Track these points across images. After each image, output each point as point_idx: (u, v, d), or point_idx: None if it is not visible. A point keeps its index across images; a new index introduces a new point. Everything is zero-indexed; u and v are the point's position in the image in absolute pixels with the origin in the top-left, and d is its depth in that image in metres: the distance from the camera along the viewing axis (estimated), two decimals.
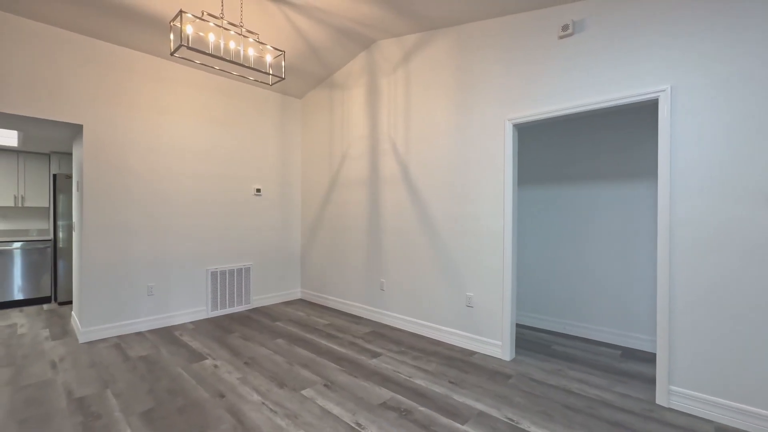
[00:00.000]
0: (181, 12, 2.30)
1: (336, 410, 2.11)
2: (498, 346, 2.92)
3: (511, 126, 2.86)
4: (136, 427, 1.93)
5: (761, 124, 1.91)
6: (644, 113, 3.13)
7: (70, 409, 2.11)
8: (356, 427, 1.94)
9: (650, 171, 3.08)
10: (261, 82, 2.99)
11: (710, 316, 2.05)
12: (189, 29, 2.42)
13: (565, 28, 2.55)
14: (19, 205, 4.69)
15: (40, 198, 4.84)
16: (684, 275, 2.13)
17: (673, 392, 2.16)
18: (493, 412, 2.10)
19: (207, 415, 2.05)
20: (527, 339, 3.36)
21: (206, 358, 2.85)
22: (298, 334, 3.46)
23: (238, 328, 3.61)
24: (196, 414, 2.06)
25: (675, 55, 2.16)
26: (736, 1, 1.98)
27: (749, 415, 1.94)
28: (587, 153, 3.41)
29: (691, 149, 2.11)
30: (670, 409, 2.14)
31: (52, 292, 4.64)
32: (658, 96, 2.21)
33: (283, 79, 2.92)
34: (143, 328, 3.52)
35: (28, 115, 2.96)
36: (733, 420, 1.98)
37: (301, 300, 4.80)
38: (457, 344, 3.17)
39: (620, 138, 3.23)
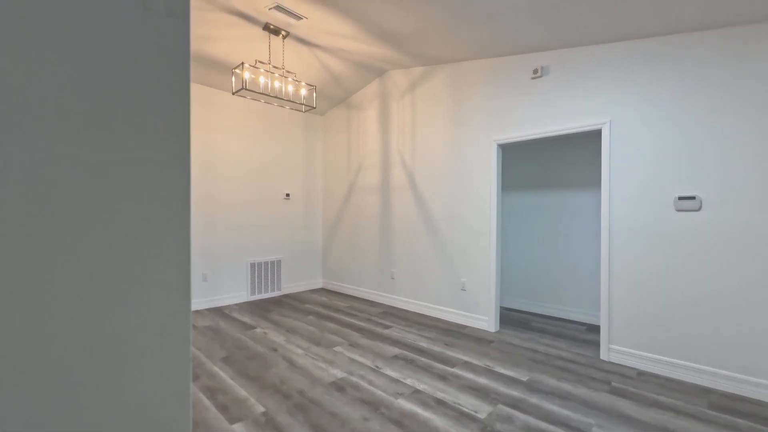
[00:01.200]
0: (242, 63, 3.11)
1: (360, 359, 2.89)
2: (485, 320, 3.66)
3: (496, 145, 3.60)
4: (221, 367, 2.73)
5: (668, 150, 2.63)
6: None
7: None
8: (375, 368, 2.71)
9: None
10: (295, 110, 3.78)
11: (636, 293, 2.77)
12: (247, 75, 3.22)
13: (535, 71, 3.28)
14: None
15: None
16: (619, 263, 2.85)
17: (612, 349, 2.88)
18: (475, 362, 2.85)
19: (268, 360, 2.84)
20: (511, 318, 4.10)
21: (256, 328, 3.66)
22: (324, 313, 4.25)
23: (274, 308, 4.41)
24: (260, 359, 2.86)
25: (614, 97, 2.89)
26: (651, 64, 2.70)
27: (661, 362, 2.66)
28: (559, 165, 4.13)
29: (623, 167, 2.83)
30: (609, 362, 2.87)
31: None
32: (602, 127, 2.94)
33: (314, 108, 3.71)
34: (200, 307, 4.36)
35: None
36: (650, 367, 2.70)
37: (323, 288, 5.60)
38: (453, 320, 3.92)
39: (584, 154, 3.94)
